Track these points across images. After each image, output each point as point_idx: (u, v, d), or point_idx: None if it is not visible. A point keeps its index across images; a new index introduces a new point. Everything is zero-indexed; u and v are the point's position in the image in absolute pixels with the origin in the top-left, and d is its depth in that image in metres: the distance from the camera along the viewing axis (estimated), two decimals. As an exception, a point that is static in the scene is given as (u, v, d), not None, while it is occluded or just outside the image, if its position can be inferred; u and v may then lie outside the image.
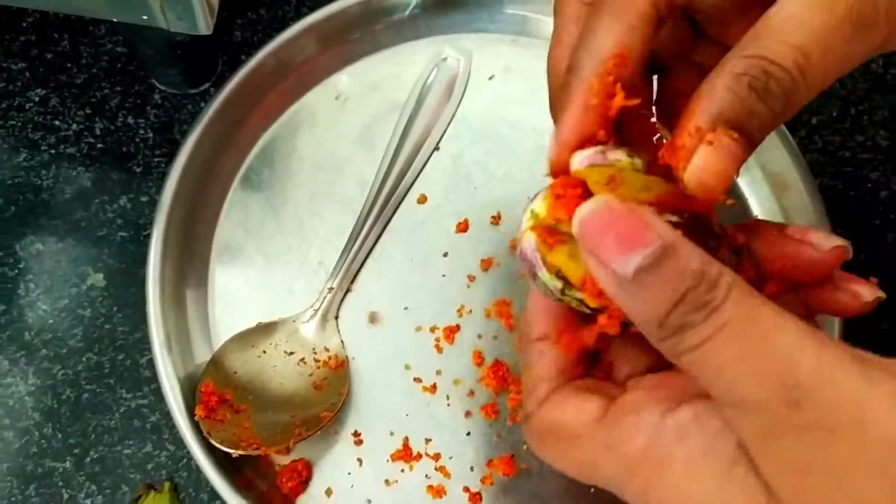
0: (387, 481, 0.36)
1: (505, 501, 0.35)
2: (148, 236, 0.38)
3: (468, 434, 0.36)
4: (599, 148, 0.22)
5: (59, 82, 0.43)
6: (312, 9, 0.44)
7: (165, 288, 0.37)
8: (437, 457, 0.36)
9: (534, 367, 0.24)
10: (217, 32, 0.36)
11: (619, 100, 0.22)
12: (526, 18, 0.43)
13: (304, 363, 0.37)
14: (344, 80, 0.42)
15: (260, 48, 0.40)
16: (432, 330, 0.38)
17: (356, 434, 0.36)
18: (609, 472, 0.22)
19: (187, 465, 0.37)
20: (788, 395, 0.18)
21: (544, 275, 0.22)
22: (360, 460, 0.36)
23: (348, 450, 0.36)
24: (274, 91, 0.41)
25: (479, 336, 0.38)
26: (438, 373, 0.37)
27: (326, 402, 0.36)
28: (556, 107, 0.24)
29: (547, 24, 0.43)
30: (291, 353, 0.37)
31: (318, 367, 0.37)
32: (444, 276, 0.39)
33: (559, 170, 0.23)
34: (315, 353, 0.37)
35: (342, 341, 0.38)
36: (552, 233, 0.22)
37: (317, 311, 0.38)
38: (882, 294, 0.24)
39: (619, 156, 0.22)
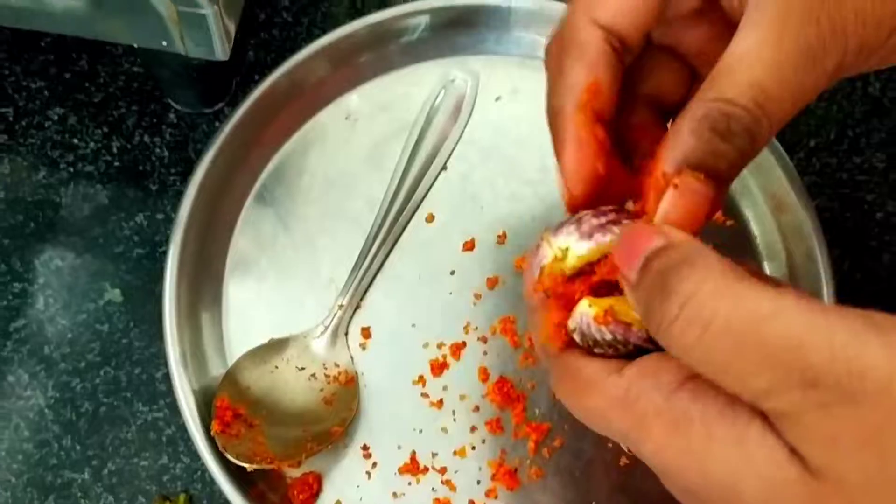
0: (394, 494, 0.37)
1: (509, 514, 0.37)
2: (163, 253, 0.40)
3: (473, 448, 0.37)
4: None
5: (77, 101, 0.44)
6: (324, 30, 0.45)
7: (181, 304, 0.38)
8: (443, 470, 0.37)
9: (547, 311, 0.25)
10: (231, 53, 0.37)
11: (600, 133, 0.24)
12: (532, 41, 0.44)
13: (315, 378, 0.38)
14: (354, 100, 0.44)
15: (273, 69, 0.41)
16: (439, 346, 0.39)
17: (365, 448, 0.37)
18: (623, 427, 0.22)
19: (201, 477, 0.38)
20: (802, 378, 0.18)
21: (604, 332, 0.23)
22: (368, 473, 0.37)
23: (357, 463, 0.37)
24: (286, 111, 0.43)
25: (485, 353, 0.39)
26: (445, 388, 0.38)
27: (337, 417, 0.37)
28: (556, 149, 0.25)
29: (552, 46, 0.44)
30: (302, 369, 0.38)
31: (329, 383, 0.38)
32: (450, 293, 0.40)
33: (576, 206, 0.25)
34: (325, 368, 0.38)
35: (352, 357, 0.39)
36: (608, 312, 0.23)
37: (327, 327, 0.39)
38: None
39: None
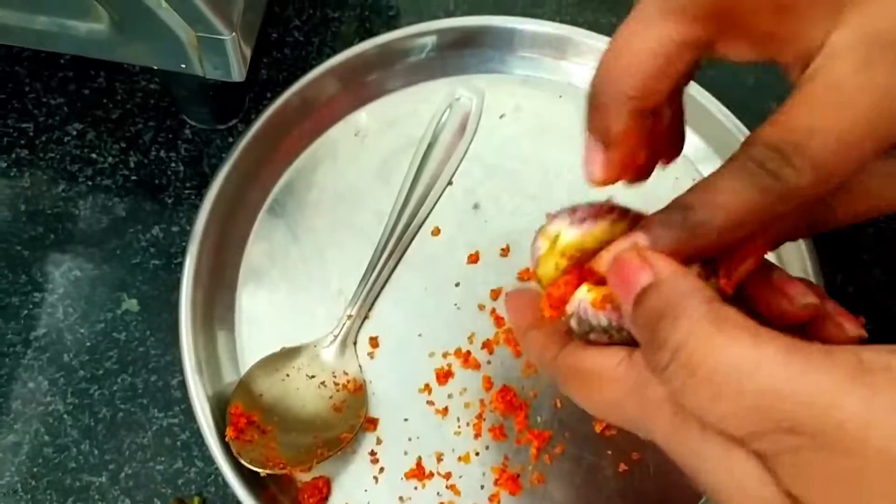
0: (401, 498, 0.38)
1: (512, 518, 0.38)
2: (179, 264, 0.41)
3: (477, 454, 0.39)
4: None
5: (95, 117, 0.46)
6: (334, 50, 0.47)
7: (196, 313, 0.40)
8: (448, 475, 0.38)
9: (534, 344, 0.26)
10: (245, 73, 0.39)
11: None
12: (536, 61, 0.46)
13: (325, 386, 0.39)
14: (363, 117, 0.45)
15: (285, 88, 0.43)
16: (444, 356, 0.40)
17: (373, 454, 0.39)
18: (634, 414, 0.23)
19: (215, 481, 0.39)
20: (778, 425, 0.19)
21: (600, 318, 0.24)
22: (376, 478, 0.38)
23: (365, 468, 0.39)
24: (298, 127, 0.44)
25: (489, 362, 0.40)
26: (450, 396, 0.40)
27: (346, 423, 0.38)
28: (595, 120, 0.26)
29: (555, 66, 0.46)
30: (313, 377, 0.39)
31: (338, 390, 0.39)
32: (455, 304, 0.41)
33: (609, 182, 0.26)
34: (335, 376, 0.40)
35: (360, 366, 0.40)
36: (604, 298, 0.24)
37: (336, 336, 0.40)
38: (865, 334, 0.25)
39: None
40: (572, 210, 0.25)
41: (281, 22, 0.48)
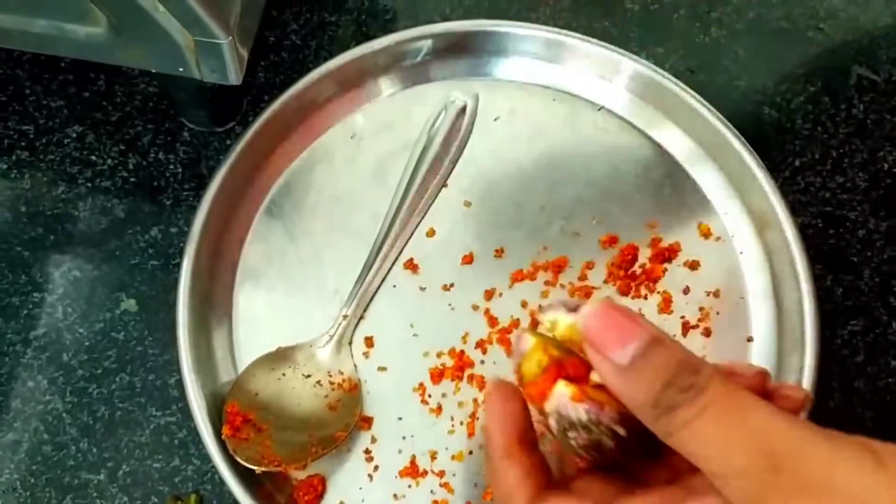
0: (395, 496, 0.39)
1: (504, 516, 0.38)
2: (177, 265, 0.42)
3: (471, 453, 0.39)
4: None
5: (95, 120, 0.46)
6: (331, 53, 0.47)
7: (193, 313, 0.40)
8: (441, 473, 0.39)
9: (505, 481, 0.26)
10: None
11: None
12: (530, 64, 0.46)
13: (320, 385, 0.40)
14: (359, 120, 0.46)
15: (282, 91, 0.44)
16: (439, 355, 0.41)
17: (367, 452, 0.39)
18: None
19: (211, 479, 0.40)
20: (768, 462, 0.21)
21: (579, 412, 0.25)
22: (370, 476, 0.39)
23: (360, 466, 0.39)
24: (295, 130, 0.45)
25: (482, 361, 0.41)
26: (444, 395, 0.40)
27: (341, 422, 0.39)
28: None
29: (549, 70, 0.46)
30: (308, 376, 0.40)
31: (333, 390, 0.40)
32: (450, 305, 0.42)
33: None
34: (330, 376, 0.40)
35: (355, 365, 0.41)
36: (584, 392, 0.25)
37: (332, 336, 0.41)
38: (810, 395, 0.28)
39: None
40: (564, 302, 0.26)
41: (278, 25, 0.49)
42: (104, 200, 0.45)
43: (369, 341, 0.41)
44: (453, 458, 0.39)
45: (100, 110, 0.46)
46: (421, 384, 0.40)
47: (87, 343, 0.42)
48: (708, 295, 0.42)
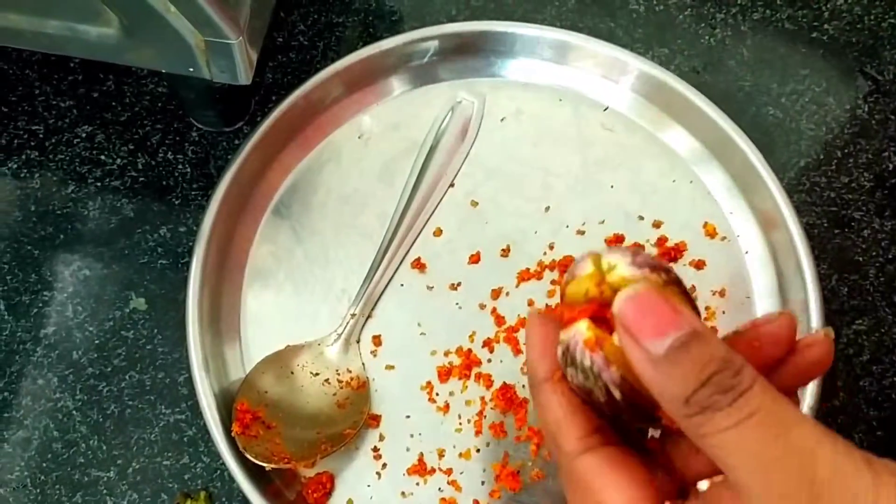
0: (403, 493, 0.39)
1: (511, 513, 0.39)
2: (186, 263, 0.42)
3: (478, 451, 0.40)
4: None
5: (104, 119, 0.47)
6: (338, 54, 0.48)
7: (203, 312, 0.40)
8: (449, 471, 0.39)
9: (552, 409, 0.25)
10: (252, 77, 0.40)
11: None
12: (536, 65, 0.47)
13: (329, 383, 0.40)
14: (367, 120, 0.46)
15: (290, 91, 0.44)
16: (446, 354, 0.41)
17: (375, 449, 0.39)
18: None
19: (221, 476, 0.40)
20: (809, 489, 0.20)
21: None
22: (378, 474, 0.39)
23: (368, 464, 0.39)
24: (302, 130, 0.45)
25: (489, 360, 0.41)
26: (451, 394, 0.40)
27: (349, 420, 0.39)
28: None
29: (555, 70, 0.46)
30: (317, 374, 0.40)
31: (342, 388, 0.40)
32: (457, 304, 0.42)
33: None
34: (338, 374, 0.40)
35: (363, 363, 0.41)
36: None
37: (340, 335, 0.41)
38: (830, 332, 0.26)
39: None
40: (634, 251, 0.25)
41: (286, 26, 0.49)
42: (113, 200, 0.45)
43: (377, 340, 0.41)
44: (461, 455, 0.39)
45: (109, 110, 0.47)
46: (428, 382, 0.41)
47: (96, 341, 0.42)
48: (714, 294, 0.42)
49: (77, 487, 0.40)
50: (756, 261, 0.43)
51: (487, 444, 0.40)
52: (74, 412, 0.41)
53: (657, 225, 0.43)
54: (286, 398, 0.39)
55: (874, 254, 0.45)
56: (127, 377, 0.42)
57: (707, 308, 0.42)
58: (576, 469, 0.25)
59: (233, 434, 0.37)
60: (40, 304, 0.43)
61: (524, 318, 0.42)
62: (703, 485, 0.25)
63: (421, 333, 0.42)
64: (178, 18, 0.35)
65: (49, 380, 0.41)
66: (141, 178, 0.45)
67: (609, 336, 0.24)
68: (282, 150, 0.44)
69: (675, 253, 0.43)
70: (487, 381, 0.41)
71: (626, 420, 0.25)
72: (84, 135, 0.46)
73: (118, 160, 0.46)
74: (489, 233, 0.44)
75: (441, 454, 0.39)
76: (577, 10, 0.49)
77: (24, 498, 0.39)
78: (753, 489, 0.21)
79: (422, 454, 0.39)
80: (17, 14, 0.37)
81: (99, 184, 0.45)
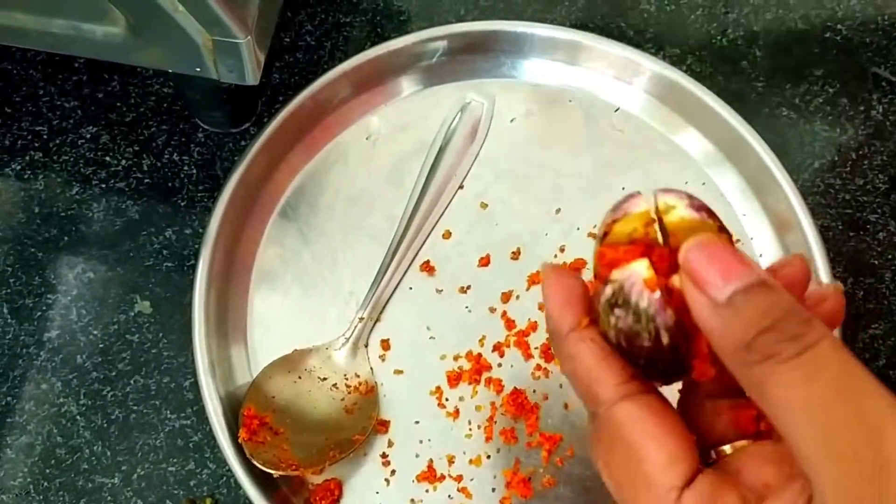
0: (412, 500, 0.38)
1: (523, 521, 0.38)
2: (192, 266, 0.41)
3: (488, 457, 0.39)
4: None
5: (109, 120, 0.46)
6: (346, 54, 0.47)
7: (209, 315, 0.40)
8: (459, 478, 0.39)
9: (583, 357, 0.24)
10: (258, 78, 0.39)
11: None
12: (546, 65, 0.46)
13: (337, 388, 0.39)
14: (375, 121, 0.45)
15: (297, 91, 0.43)
16: (455, 358, 0.41)
17: (384, 456, 0.39)
18: None
19: (227, 483, 0.39)
20: (877, 461, 0.19)
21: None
22: (387, 480, 0.38)
23: (377, 470, 0.39)
24: (310, 131, 0.44)
25: (500, 365, 0.40)
26: (461, 399, 0.40)
27: (357, 425, 0.38)
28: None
29: (565, 70, 0.46)
30: (325, 379, 0.39)
31: (350, 393, 0.39)
32: (466, 307, 0.42)
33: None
34: (346, 378, 0.40)
35: (371, 368, 0.40)
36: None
37: (348, 339, 0.40)
38: (840, 285, 0.25)
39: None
40: (689, 195, 0.24)
41: (293, 26, 0.48)
42: (118, 201, 0.44)
43: (385, 344, 0.41)
44: (471, 462, 0.39)
45: (114, 111, 0.46)
46: (438, 387, 0.40)
47: (101, 345, 0.42)
48: (727, 298, 0.41)
49: (81, 494, 0.39)
50: (770, 264, 0.42)
51: (498, 451, 0.39)
52: (78, 417, 0.40)
53: (670, 227, 0.43)
54: (294, 403, 0.38)
55: (890, 257, 0.44)
56: (131, 382, 0.41)
57: (721, 312, 0.41)
58: (614, 418, 0.23)
59: (239, 440, 0.36)
60: (44, 308, 0.42)
61: (535, 321, 0.41)
62: (726, 448, 0.24)
63: (430, 337, 0.41)
64: (186, 17, 0.34)
65: (52, 384, 0.41)
66: (146, 180, 0.45)
67: (663, 278, 0.23)
68: (289, 152, 0.44)
69: (688, 256, 0.42)
70: (498, 385, 0.40)
71: (657, 371, 0.24)
72: (89, 136, 0.46)
73: (123, 161, 0.45)
74: (499, 235, 0.43)
75: (451, 460, 0.39)
76: (587, 10, 0.49)
77: (27, 504, 0.39)
78: (812, 456, 0.20)
79: (431, 460, 0.39)
80: (23, 13, 0.37)
81: (103, 185, 0.45)
